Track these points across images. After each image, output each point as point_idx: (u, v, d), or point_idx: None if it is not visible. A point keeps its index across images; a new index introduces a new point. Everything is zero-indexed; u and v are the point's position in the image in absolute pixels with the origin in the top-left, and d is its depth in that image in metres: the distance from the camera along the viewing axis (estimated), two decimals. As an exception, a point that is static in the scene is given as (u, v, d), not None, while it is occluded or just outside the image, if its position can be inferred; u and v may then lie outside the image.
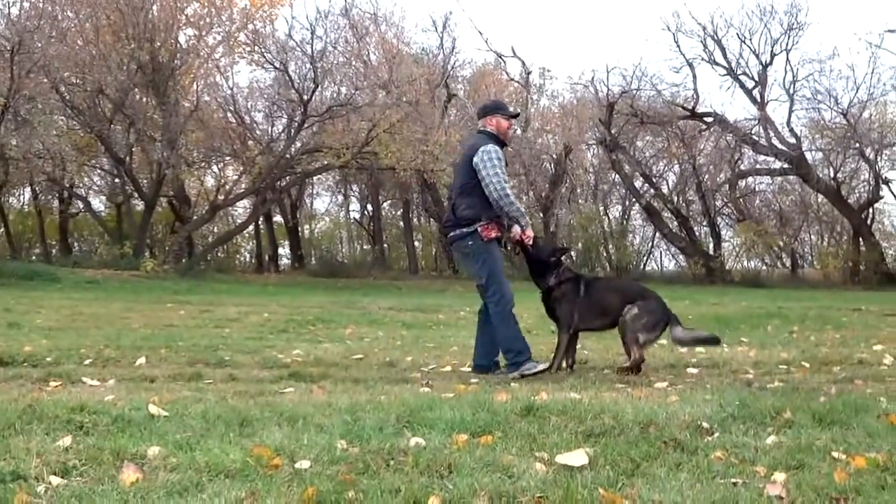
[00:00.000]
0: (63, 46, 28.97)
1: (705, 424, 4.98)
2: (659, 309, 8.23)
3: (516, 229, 8.25)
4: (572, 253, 43.48)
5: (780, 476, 3.93)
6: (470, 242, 8.21)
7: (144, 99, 33.10)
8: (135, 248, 32.74)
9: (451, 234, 8.39)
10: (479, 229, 8.11)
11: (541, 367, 7.88)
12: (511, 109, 8.96)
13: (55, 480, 3.75)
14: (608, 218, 46.65)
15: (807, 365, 8.79)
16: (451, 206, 8.59)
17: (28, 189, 42.19)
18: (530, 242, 8.31)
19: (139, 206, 37.88)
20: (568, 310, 8.24)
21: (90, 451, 4.18)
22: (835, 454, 4.33)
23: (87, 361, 8.67)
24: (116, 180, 38.85)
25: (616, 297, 8.39)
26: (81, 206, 42.33)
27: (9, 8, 30.18)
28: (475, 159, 8.07)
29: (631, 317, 8.08)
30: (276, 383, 7.46)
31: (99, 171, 40.47)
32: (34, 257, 40.16)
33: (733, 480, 3.92)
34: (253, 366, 8.72)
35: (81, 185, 40.92)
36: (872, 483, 3.86)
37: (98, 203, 44.09)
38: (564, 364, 8.32)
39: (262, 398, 6.16)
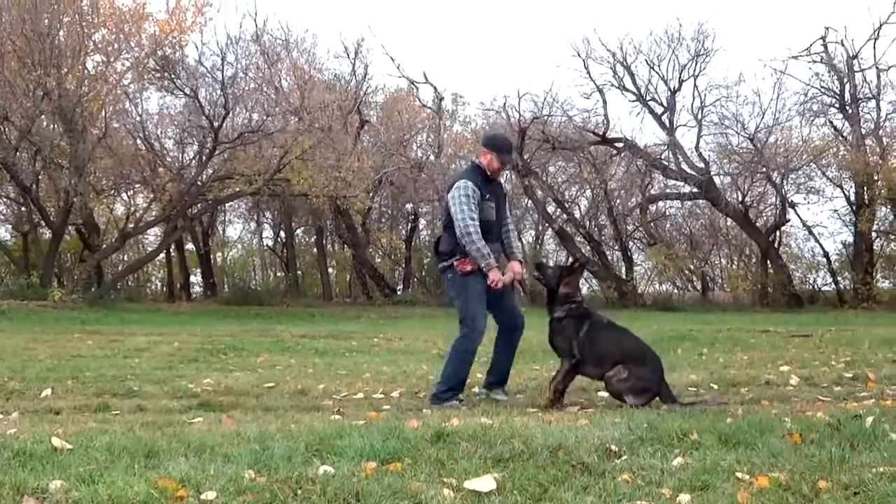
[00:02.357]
0: (-33, 73, 28.47)
1: (614, 447, 5.02)
2: (649, 378, 7.72)
3: (492, 276, 8.07)
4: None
5: (684, 497, 3.98)
6: (450, 276, 8.32)
7: (51, 126, 32.47)
8: (42, 278, 32.10)
9: (439, 265, 8.55)
10: (454, 263, 8.17)
11: (463, 408, 7.71)
12: (511, 157, 8.98)
13: (-50, 518, 3.66)
14: (522, 243, 46.89)
15: (715, 386, 8.92)
16: (436, 238, 8.74)
17: (-69, 218, 41.28)
18: (497, 287, 8.09)
19: (46, 234, 37.15)
20: (566, 343, 7.96)
21: (-11, 486, 4.08)
22: (739, 474, 4.38)
23: (-11, 394, 8.49)
24: (23, 209, 38.05)
25: (613, 349, 7.92)
26: (-14, 235, 41.50)
27: None
28: (447, 195, 8.24)
29: (617, 377, 7.69)
30: (184, 413, 7.39)
31: (4, 199, 39.69)
32: (-63, 288, 39.16)
33: (639, 503, 3.95)
34: (162, 396, 8.61)
35: (-14, 213, 40.19)
36: (774, 502, 3.92)
37: (3, 232, 43.20)
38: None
39: (170, 429, 6.08)
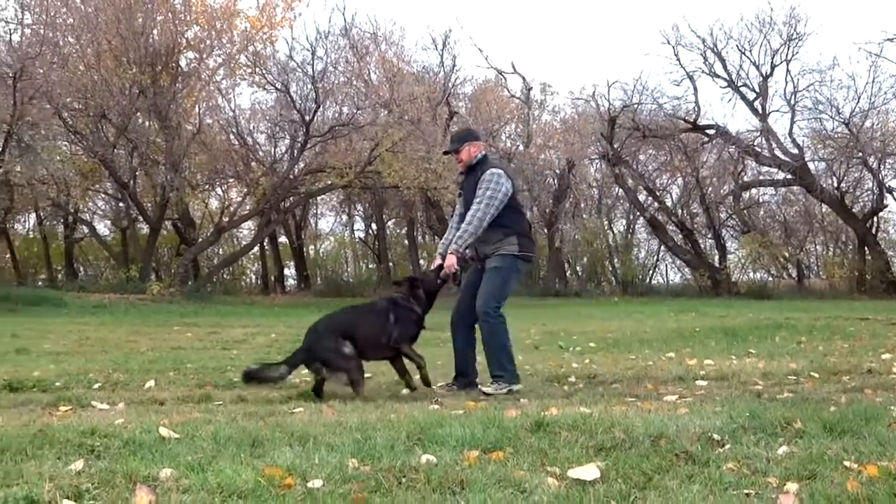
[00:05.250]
0: (65, 72, 29.13)
1: (716, 436, 4.96)
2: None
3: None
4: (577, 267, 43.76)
5: (792, 486, 3.91)
6: None
7: (147, 123, 33.15)
8: (140, 272, 32.77)
9: None
10: None
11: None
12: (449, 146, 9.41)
13: (68, 504, 3.75)
14: (613, 232, 46.64)
15: (816, 375, 8.76)
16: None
17: (33, 215, 42.23)
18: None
19: (144, 229, 37.97)
20: None
21: (102, 474, 4.16)
22: (846, 463, 4.30)
23: (95, 385, 8.65)
24: (121, 204, 38.89)
25: None
26: (86, 230, 42.36)
27: (10, 35, 30.45)
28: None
29: None
30: (285, 403, 7.45)
31: (103, 195, 40.53)
32: (40, 283, 40.00)
33: (746, 491, 3.90)
34: (262, 387, 8.70)
35: (86, 209, 40.96)
36: (885, 491, 3.84)
37: (103, 227, 44.22)
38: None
39: (272, 419, 6.14)
